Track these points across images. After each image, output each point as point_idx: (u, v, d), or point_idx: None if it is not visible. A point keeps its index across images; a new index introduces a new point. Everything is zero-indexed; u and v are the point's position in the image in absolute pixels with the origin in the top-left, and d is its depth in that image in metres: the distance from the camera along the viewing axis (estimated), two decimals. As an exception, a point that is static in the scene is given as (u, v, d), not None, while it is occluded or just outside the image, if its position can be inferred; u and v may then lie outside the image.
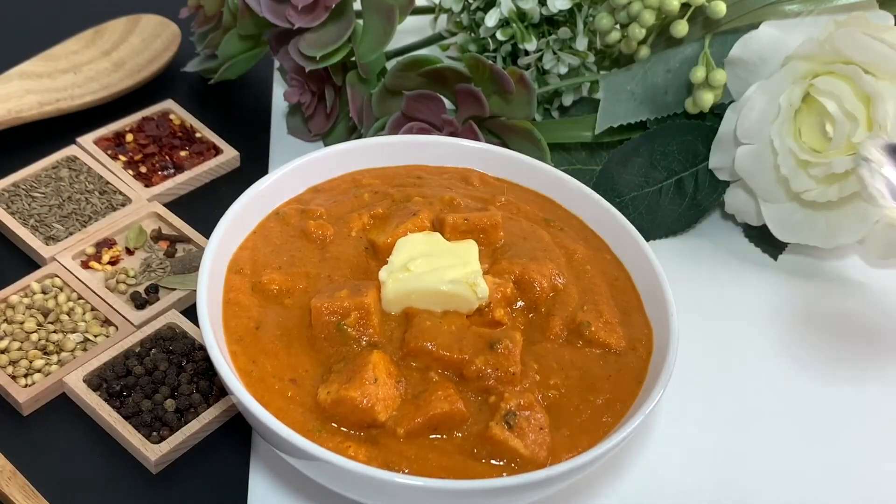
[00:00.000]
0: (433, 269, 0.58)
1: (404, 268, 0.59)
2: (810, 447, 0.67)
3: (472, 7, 0.80)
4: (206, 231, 0.65)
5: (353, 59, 0.76)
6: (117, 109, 0.83)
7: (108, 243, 0.73)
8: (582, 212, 0.68)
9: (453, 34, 0.85)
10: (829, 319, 0.76)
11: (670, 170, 0.77)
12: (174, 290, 0.70)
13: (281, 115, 0.87)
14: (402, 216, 0.64)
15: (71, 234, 0.73)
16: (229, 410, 0.64)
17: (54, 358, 0.65)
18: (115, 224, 0.74)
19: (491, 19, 0.78)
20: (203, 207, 0.78)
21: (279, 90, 0.89)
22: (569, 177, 0.69)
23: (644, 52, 0.77)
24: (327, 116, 0.81)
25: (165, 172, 0.79)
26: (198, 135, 0.83)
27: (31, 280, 0.69)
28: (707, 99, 0.74)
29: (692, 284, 0.76)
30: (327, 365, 0.56)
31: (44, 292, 0.69)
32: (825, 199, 0.73)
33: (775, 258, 0.79)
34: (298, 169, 0.67)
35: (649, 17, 0.73)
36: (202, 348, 0.66)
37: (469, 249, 0.61)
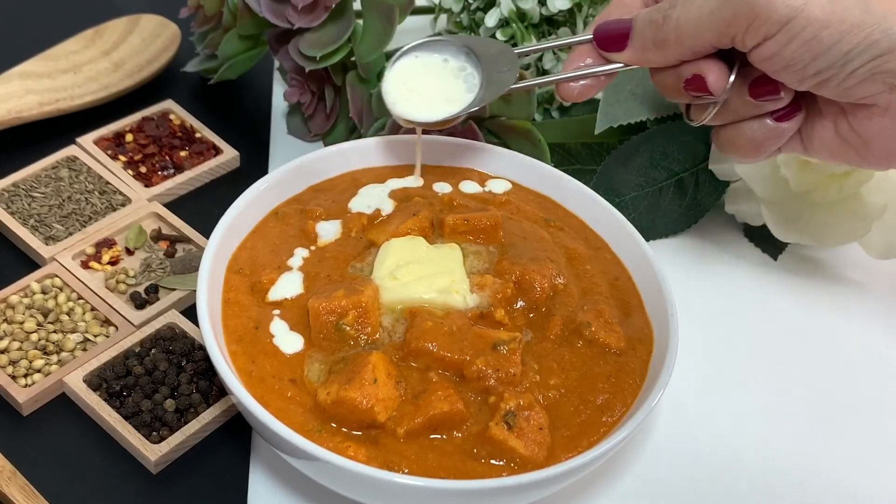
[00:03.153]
0: (420, 277, 0.59)
1: (391, 276, 0.59)
2: (811, 446, 0.67)
3: (472, 7, 0.80)
4: (206, 231, 0.65)
5: (353, 59, 0.76)
6: (117, 109, 0.83)
7: (107, 243, 0.73)
8: (582, 212, 0.68)
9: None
10: (828, 319, 0.76)
11: (670, 170, 0.77)
12: (174, 290, 0.70)
13: (281, 115, 0.87)
14: (401, 216, 0.64)
15: (71, 234, 0.73)
16: (229, 410, 0.64)
17: (54, 358, 0.65)
18: (114, 224, 0.74)
19: (491, 19, 0.78)
20: (203, 207, 0.78)
21: (279, 90, 0.89)
22: (569, 177, 0.69)
23: (644, 52, 0.77)
24: (327, 116, 0.81)
25: (165, 172, 0.79)
26: (198, 135, 0.83)
27: (31, 280, 0.69)
28: (707, 99, 0.74)
29: (692, 284, 0.76)
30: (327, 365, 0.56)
31: (44, 292, 0.69)
32: (825, 199, 0.73)
33: (775, 258, 0.79)
34: (298, 169, 0.67)
35: (649, 17, 0.73)
36: (202, 348, 0.66)
37: (453, 255, 0.61)
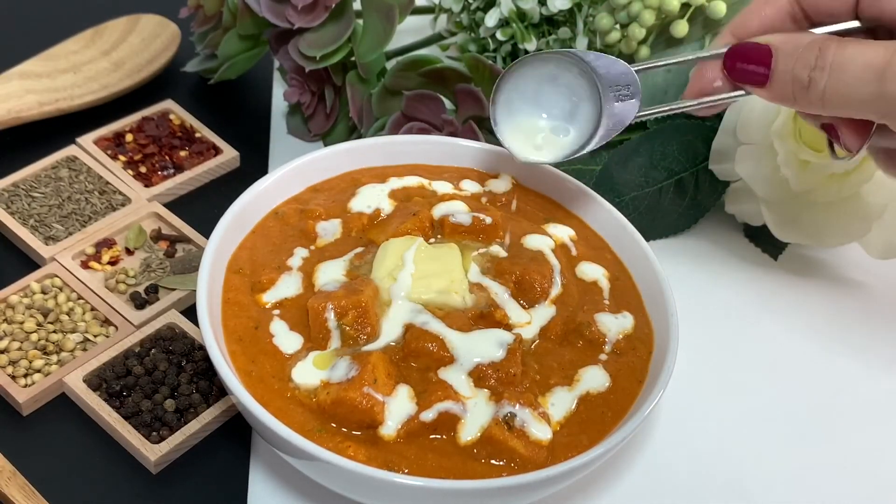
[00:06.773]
0: (419, 277, 0.59)
1: (391, 276, 0.59)
2: (811, 446, 0.67)
3: (472, 7, 0.80)
4: (206, 231, 0.65)
5: (353, 59, 0.76)
6: (117, 109, 0.83)
7: (107, 243, 0.73)
8: (582, 212, 0.68)
9: (453, 34, 0.85)
10: (829, 320, 0.75)
11: (670, 170, 0.77)
12: (174, 290, 0.70)
13: (281, 115, 0.87)
14: (401, 216, 0.64)
15: (71, 234, 0.73)
16: (229, 410, 0.64)
17: (54, 358, 0.65)
18: (114, 224, 0.74)
19: (491, 19, 0.78)
20: (203, 207, 0.78)
21: (279, 90, 0.89)
22: (569, 177, 0.69)
23: (644, 52, 0.77)
24: (327, 116, 0.81)
25: (165, 172, 0.79)
26: (198, 135, 0.83)
27: (31, 280, 0.69)
28: (707, 99, 0.74)
29: (692, 284, 0.76)
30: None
31: (43, 292, 0.69)
32: (825, 199, 0.73)
33: (775, 258, 0.79)
34: (298, 169, 0.67)
35: (649, 17, 0.73)
36: (202, 348, 0.66)
37: (452, 255, 0.61)
